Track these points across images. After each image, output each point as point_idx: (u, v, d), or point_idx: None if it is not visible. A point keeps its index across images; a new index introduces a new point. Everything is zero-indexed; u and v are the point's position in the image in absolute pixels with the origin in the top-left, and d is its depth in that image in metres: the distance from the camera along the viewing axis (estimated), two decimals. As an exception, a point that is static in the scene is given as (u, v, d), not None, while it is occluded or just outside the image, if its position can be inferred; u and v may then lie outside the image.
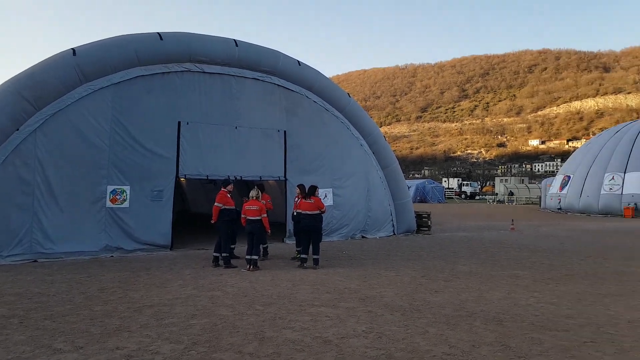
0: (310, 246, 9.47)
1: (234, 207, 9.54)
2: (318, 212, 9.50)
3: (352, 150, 14.55)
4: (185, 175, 11.91)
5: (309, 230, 9.39)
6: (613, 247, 13.29)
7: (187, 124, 11.84)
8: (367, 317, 5.85)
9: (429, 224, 16.33)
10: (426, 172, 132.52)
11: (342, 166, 14.20)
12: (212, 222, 9.38)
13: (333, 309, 6.24)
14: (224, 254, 9.36)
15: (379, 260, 10.43)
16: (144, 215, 11.07)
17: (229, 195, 9.62)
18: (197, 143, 11.94)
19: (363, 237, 14.46)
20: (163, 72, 11.65)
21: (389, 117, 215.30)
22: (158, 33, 11.66)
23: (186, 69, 11.92)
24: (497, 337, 5.07)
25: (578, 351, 4.66)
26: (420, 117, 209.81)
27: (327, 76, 14.76)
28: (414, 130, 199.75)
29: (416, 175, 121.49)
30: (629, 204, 26.41)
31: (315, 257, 9.40)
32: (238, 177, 12.37)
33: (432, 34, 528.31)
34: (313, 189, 9.72)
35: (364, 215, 14.55)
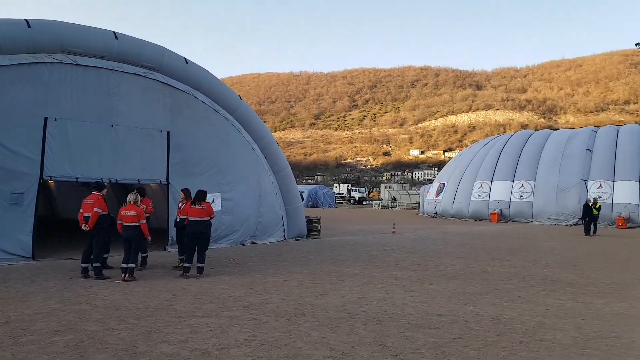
0: (195, 254, 9.07)
1: (107, 213, 8.77)
2: (208, 218, 9.16)
3: (243, 153, 14.31)
4: (50, 176, 10.69)
5: (197, 238, 9.00)
6: (480, 248, 14.78)
7: (55, 120, 10.67)
8: (250, 325, 5.72)
9: (319, 228, 16.69)
10: (319, 177, 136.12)
11: (232, 170, 13.89)
12: (88, 229, 8.51)
13: (215, 319, 6.00)
14: (95, 264, 8.54)
15: (267, 266, 10.35)
16: (0, 221, 9.74)
17: (104, 200, 8.82)
18: (65, 141, 10.80)
19: (253, 242, 14.28)
20: (30, 63, 10.41)
21: (284, 122, 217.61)
22: (26, 20, 10.41)
23: (57, 60, 10.76)
24: (375, 337, 5.28)
25: (447, 347, 5.02)
26: (314, 124, 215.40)
27: (221, 77, 14.36)
28: (308, 137, 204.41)
29: (309, 181, 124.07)
30: (495, 210, 29.73)
31: (199, 265, 9.01)
32: (113, 180, 11.43)
33: (325, 44, 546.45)
34: (203, 194, 9.31)
35: (254, 221, 14.38)
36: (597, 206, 21.28)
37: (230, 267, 10.18)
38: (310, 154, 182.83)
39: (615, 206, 26.32)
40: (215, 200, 12.64)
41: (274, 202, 15.03)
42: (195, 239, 9.00)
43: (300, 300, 7.04)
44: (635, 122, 49.21)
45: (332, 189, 65.38)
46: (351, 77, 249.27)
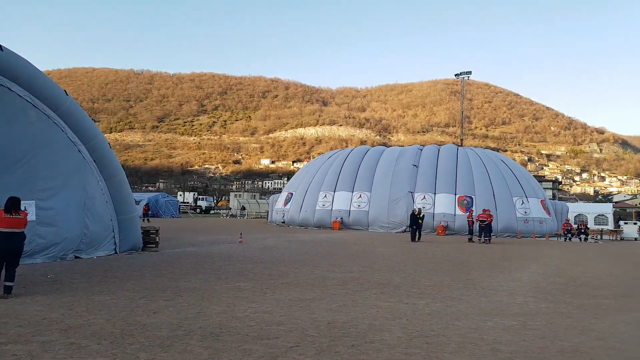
0: (3, 271, 7.70)
1: None
2: (24, 229, 7.87)
3: (66, 156, 12.69)
4: None
5: (10, 253, 7.66)
6: (322, 255, 15.50)
7: None
8: (66, 350, 5.00)
9: (157, 240, 15.65)
10: (161, 184, 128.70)
11: (52, 174, 12.20)
12: None
13: (24, 345, 5.13)
14: None
15: (92, 283, 9.27)
16: None
17: None
18: None
19: (77, 257, 12.70)
20: None
21: (121, 123, 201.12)
22: None
23: None
24: (211, 354, 5.06)
25: (284, 357, 5.06)
26: (157, 127, 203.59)
27: (46, 70, 12.57)
28: (150, 140, 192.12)
29: (150, 188, 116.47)
30: (336, 218, 31.69)
31: (8, 284, 7.67)
32: None
33: (171, 43, 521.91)
34: (17, 202, 7.95)
35: (78, 233, 12.81)
36: (421, 215, 24.17)
37: (46, 285, 8.86)
38: (152, 159, 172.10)
39: (436, 215, 30.27)
40: (28, 209, 10.92)
41: (103, 212, 13.63)
42: (7, 254, 7.67)
43: (128, 320, 6.43)
44: (453, 143, 57.59)
45: (176, 197, 62.35)
46: (200, 81, 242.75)
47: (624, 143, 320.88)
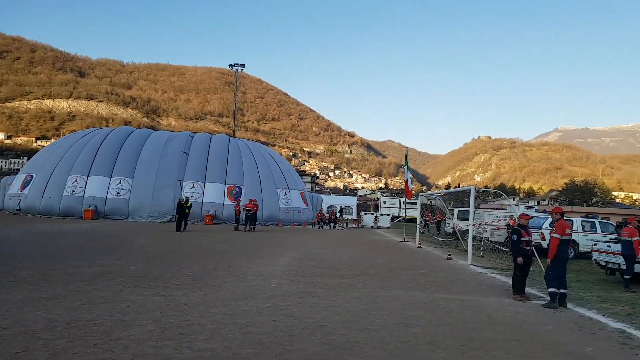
0: None
1: None
2: None
3: None
4: None
5: None
6: (68, 248, 13.69)
7: None
8: None
9: None
10: None
11: None
12: None
13: None
14: None
15: None
16: None
17: None
18: None
19: None
20: None
21: None
22: None
23: None
24: None
25: (1, 367, 4.23)
26: None
27: None
28: None
29: None
30: (89, 206, 28.42)
31: None
32: None
33: None
34: None
35: None
36: (188, 204, 23.79)
37: None
38: None
39: (205, 205, 30.27)
40: None
41: None
42: None
43: None
44: (226, 133, 58.53)
45: None
46: None
47: (368, 146, 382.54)
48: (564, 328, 6.94)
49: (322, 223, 33.61)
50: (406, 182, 27.91)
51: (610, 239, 14.50)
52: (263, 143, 77.35)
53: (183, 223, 22.88)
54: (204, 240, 18.85)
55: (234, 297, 7.90)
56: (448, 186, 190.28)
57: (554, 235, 8.72)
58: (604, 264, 12.68)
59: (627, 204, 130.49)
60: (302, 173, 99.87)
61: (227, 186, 31.63)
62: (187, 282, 9.20)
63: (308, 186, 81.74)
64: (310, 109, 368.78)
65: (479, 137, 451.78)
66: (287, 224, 32.63)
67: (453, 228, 26.17)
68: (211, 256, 13.63)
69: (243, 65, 60.05)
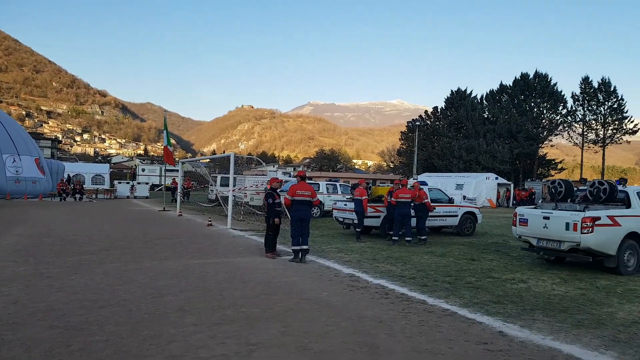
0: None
1: None
2: None
3: None
4: None
5: None
6: None
7: None
8: None
9: None
10: None
11: None
12: None
13: None
14: None
15: None
16: None
17: None
18: None
19: None
20: None
21: None
22: None
23: None
24: None
25: None
26: None
27: None
28: None
29: None
30: None
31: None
32: None
33: None
34: None
35: None
36: None
37: None
38: None
39: None
40: None
41: None
42: None
43: None
44: None
45: None
46: None
47: (124, 108, 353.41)
48: (307, 278, 7.81)
49: (64, 195, 29.76)
50: (165, 147, 26.89)
51: (347, 198, 16.94)
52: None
53: None
54: None
55: None
56: (213, 153, 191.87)
57: (286, 196, 9.50)
58: (341, 220, 14.76)
59: (364, 169, 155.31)
60: (38, 136, 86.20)
61: None
62: None
63: (47, 152, 71.32)
64: (50, 61, 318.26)
65: (242, 105, 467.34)
66: (18, 196, 27.81)
67: (216, 195, 26.59)
68: None
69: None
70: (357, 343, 4.66)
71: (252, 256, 9.91)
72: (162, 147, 27.51)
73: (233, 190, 17.73)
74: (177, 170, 28.03)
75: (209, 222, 16.53)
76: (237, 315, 5.54)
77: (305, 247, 9.40)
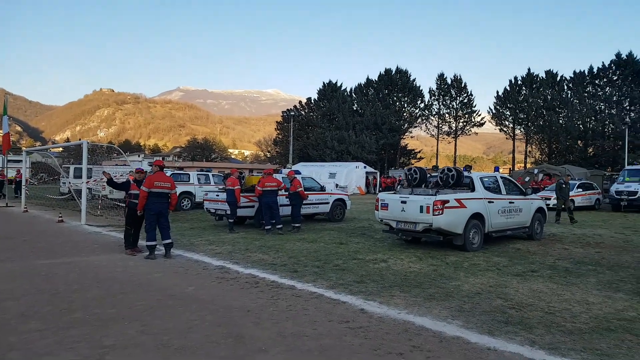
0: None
1: None
2: None
3: None
4: None
5: None
6: None
7: None
8: None
9: None
10: None
11: None
12: None
13: None
14: None
15: None
16: None
17: None
18: None
19: None
20: None
21: None
22: None
23: None
24: None
25: None
26: None
27: None
28: None
29: None
30: None
31: None
32: None
33: None
34: None
35: None
36: None
37: None
38: None
39: None
40: None
41: None
42: None
43: None
44: None
45: None
46: None
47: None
48: (171, 273, 7.49)
49: None
50: (6, 134, 23.76)
51: (219, 189, 16.59)
52: None
53: None
54: None
55: None
56: (67, 141, 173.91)
57: (142, 188, 8.84)
58: (213, 211, 14.41)
59: (240, 159, 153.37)
60: None
61: None
62: None
63: None
64: None
65: (100, 89, 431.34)
66: None
67: (69, 187, 24.21)
68: None
69: None
70: (221, 335, 4.58)
71: (110, 254, 9.22)
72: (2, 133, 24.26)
73: (88, 182, 16.31)
74: (22, 161, 24.90)
75: (60, 218, 15.01)
76: (89, 317, 5.11)
77: (167, 240, 8.95)
